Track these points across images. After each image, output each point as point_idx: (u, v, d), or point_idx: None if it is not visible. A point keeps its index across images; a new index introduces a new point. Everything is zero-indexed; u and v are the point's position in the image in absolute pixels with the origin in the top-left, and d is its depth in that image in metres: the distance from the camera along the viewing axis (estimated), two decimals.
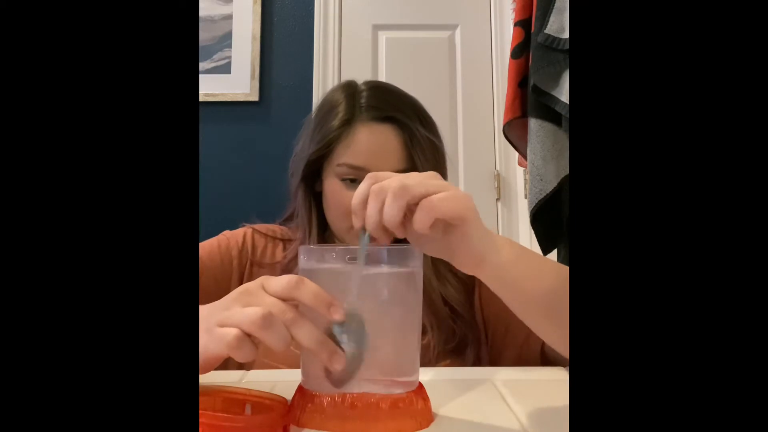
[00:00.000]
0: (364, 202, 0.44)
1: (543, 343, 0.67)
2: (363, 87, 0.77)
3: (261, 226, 0.83)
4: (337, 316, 0.39)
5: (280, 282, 0.40)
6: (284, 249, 0.81)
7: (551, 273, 0.49)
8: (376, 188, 0.43)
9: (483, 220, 0.46)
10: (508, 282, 0.47)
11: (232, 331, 0.38)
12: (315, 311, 0.39)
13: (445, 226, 0.45)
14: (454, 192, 0.44)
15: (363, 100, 0.73)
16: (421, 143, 0.71)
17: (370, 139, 0.71)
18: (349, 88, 0.77)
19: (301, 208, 0.79)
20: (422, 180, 0.44)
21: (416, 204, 0.42)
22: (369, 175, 0.45)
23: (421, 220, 0.42)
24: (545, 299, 0.47)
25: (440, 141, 0.76)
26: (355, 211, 0.44)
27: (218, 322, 0.39)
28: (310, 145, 0.76)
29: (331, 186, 0.73)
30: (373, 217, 0.43)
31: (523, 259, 0.48)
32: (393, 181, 0.43)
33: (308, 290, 0.39)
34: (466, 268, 0.48)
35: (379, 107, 0.72)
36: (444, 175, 0.75)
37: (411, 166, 0.70)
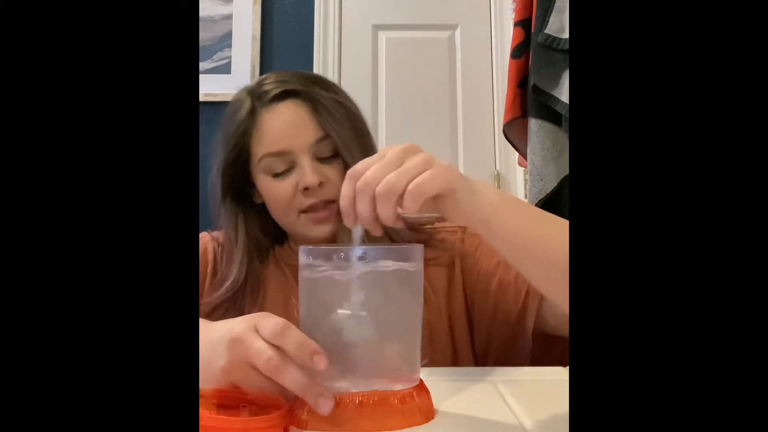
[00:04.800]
0: (352, 202, 0.45)
1: (535, 322, 0.66)
2: (262, 79, 0.76)
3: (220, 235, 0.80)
4: (321, 365, 0.40)
5: (268, 326, 0.42)
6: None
7: (537, 219, 0.50)
8: (361, 185, 0.44)
9: None
10: (494, 226, 0.48)
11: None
12: (300, 360, 0.41)
13: (435, 196, 0.45)
14: (438, 169, 0.44)
15: (260, 89, 0.73)
16: (327, 106, 0.71)
17: (277, 121, 0.71)
18: (251, 87, 0.76)
19: (227, 228, 0.77)
20: (403, 166, 0.44)
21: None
22: (348, 174, 0.45)
23: (411, 206, 0.43)
24: (532, 244, 0.48)
25: (349, 101, 0.75)
26: (345, 211, 0.45)
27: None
28: (224, 152, 0.76)
29: (265, 184, 0.72)
30: (366, 214, 0.44)
31: (506, 206, 0.49)
32: (374, 175, 0.43)
33: (293, 339, 0.41)
34: (455, 222, 0.50)
35: (273, 88, 0.72)
36: (364, 131, 0.75)
37: (324, 133, 0.70)
